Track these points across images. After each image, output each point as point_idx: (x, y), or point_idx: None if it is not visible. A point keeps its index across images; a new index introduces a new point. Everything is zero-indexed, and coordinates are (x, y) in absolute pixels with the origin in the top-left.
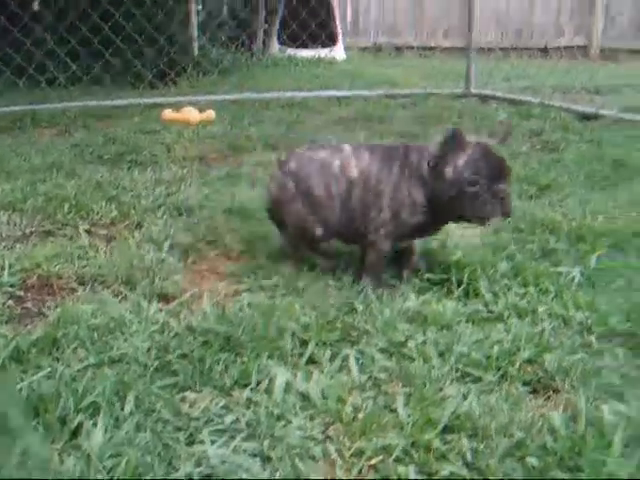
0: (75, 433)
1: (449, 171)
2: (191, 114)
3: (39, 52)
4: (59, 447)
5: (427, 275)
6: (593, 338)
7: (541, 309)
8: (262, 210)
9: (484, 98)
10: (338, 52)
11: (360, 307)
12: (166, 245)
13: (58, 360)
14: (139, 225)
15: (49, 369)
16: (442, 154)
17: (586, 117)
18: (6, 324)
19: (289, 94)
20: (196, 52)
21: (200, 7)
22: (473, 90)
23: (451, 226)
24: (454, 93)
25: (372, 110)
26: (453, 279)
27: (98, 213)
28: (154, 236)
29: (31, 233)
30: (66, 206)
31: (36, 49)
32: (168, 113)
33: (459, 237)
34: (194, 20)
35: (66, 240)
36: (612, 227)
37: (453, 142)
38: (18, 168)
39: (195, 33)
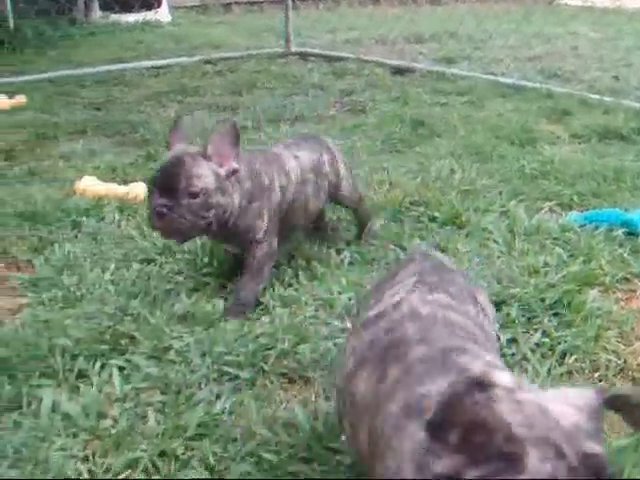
0: None
1: None
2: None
3: None
4: None
5: (206, 269)
6: (349, 323)
7: (306, 296)
8: (54, 213)
9: (304, 56)
10: (163, 14)
11: (133, 312)
12: None
13: None
14: None
15: None
16: None
17: (399, 71)
18: None
19: (105, 68)
20: (12, 26)
21: None
22: (293, 48)
23: None
24: (274, 53)
25: (188, 80)
26: (227, 272)
27: None
28: None
29: None
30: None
31: None
32: None
33: None
34: None
35: None
36: (393, 197)
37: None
38: None
39: (8, 6)
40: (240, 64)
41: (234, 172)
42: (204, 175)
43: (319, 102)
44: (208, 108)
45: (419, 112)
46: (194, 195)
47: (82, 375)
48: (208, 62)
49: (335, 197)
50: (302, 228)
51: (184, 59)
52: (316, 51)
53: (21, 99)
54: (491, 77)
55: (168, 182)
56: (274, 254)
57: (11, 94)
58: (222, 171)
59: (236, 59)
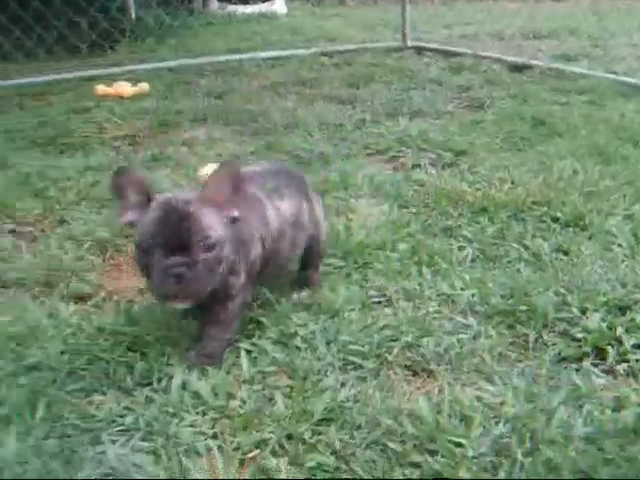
0: None
1: (136, 228)
2: (123, 88)
3: None
4: None
5: (329, 260)
6: (473, 319)
7: (429, 291)
8: None
9: (420, 50)
10: (278, 6)
11: (260, 298)
12: (86, 242)
13: None
14: (62, 221)
15: None
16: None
17: (517, 68)
18: None
19: (223, 58)
20: (133, 16)
21: None
22: (409, 43)
23: (359, 205)
24: (390, 47)
25: (305, 72)
26: (352, 263)
27: (23, 211)
28: (75, 233)
29: None
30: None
31: None
32: (101, 89)
33: (366, 216)
34: None
35: None
36: (514, 197)
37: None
38: None
39: None
40: (356, 57)
41: (234, 220)
42: (215, 223)
43: (437, 97)
44: (327, 100)
45: (539, 110)
46: (210, 248)
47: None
48: (324, 54)
49: (310, 245)
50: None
51: (301, 51)
52: (433, 46)
53: (144, 86)
54: (613, 76)
55: (179, 237)
56: (246, 307)
57: (134, 82)
58: (224, 217)
59: (352, 52)
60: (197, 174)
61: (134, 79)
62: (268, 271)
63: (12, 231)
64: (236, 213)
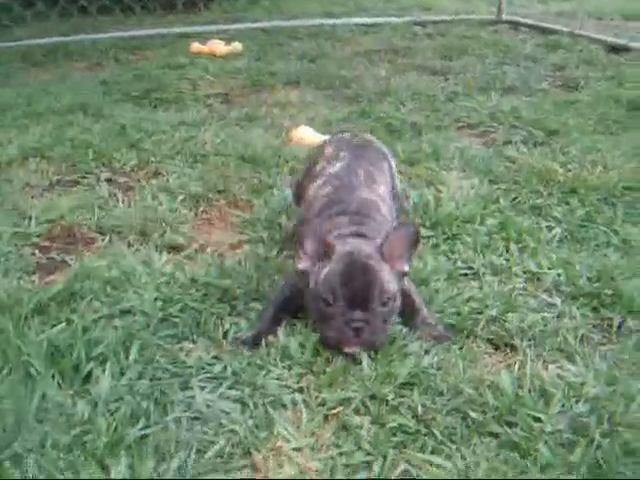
0: (86, 380)
1: (312, 280)
2: (217, 47)
3: None
4: (72, 392)
5: None
6: (558, 298)
7: (516, 267)
8: (272, 158)
9: (515, 25)
10: None
11: None
12: (180, 194)
13: (75, 311)
14: (157, 173)
15: (65, 321)
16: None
17: (614, 49)
18: (33, 274)
19: (317, 21)
20: None
21: None
22: (504, 16)
23: (449, 177)
24: (484, 20)
25: (398, 40)
26: (440, 234)
27: (120, 161)
28: (170, 185)
29: (57, 182)
30: (90, 153)
31: None
32: (196, 46)
33: (456, 188)
34: None
35: (88, 190)
36: (606, 180)
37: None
38: (48, 109)
39: None
40: (450, 28)
41: (404, 275)
42: (391, 280)
43: (531, 74)
44: (419, 70)
45: (636, 94)
46: (387, 303)
47: (297, 316)
48: (418, 24)
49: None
50: None
51: (394, 19)
52: (528, 21)
53: (237, 46)
54: None
55: (362, 293)
56: None
57: (227, 41)
58: (395, 271)
59: (446, 23)
60: (291, 135)
61: (227, 39)
62: None
63: (109, 180)
64: (407, 268)
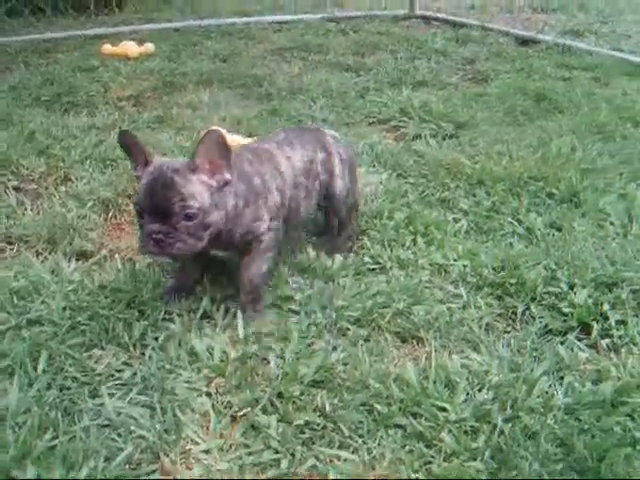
0: None
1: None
2: (129, 48)
3: None
4: None
5: None
6: (464, 289)
7: (423, 260)
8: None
9: (427, 20)
10: None
11: None
12: (89, 200)
13: None
14: (66, 179)
15: None
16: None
17: (523, 42)
18: None
19: (230, 21)
20: None
21: None
22: (417, 11)
23: (358, 172)
24: (398, 15)
25: (311, 38)
26: None
27: (28, 168)
28: (79, 191)
29: None
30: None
31: None
32: (107, 48)
33: (364, 184)
34: None
35: None
36: (512, 171)
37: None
38: None
39: None
40: (363, 24)
41: (226, 183)
42: (198, 193)
43: (442, 68)
44: (332, 67)
45: (542, 86)
46: (191, 217)
47: (206, 316)
48: (331, 20)
49: (326, 196)
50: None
51: (308, 16)
52: (440, 15)
53: (149, 47)
54: (618, 54)
55: (160, 206)
56: (278, 241)
57: (139, 42)
58: (214, 182)
59: (359, 19)
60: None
61: (140, 39)
62: (290, 220)
63: (16, 188)
64: (227, 176)
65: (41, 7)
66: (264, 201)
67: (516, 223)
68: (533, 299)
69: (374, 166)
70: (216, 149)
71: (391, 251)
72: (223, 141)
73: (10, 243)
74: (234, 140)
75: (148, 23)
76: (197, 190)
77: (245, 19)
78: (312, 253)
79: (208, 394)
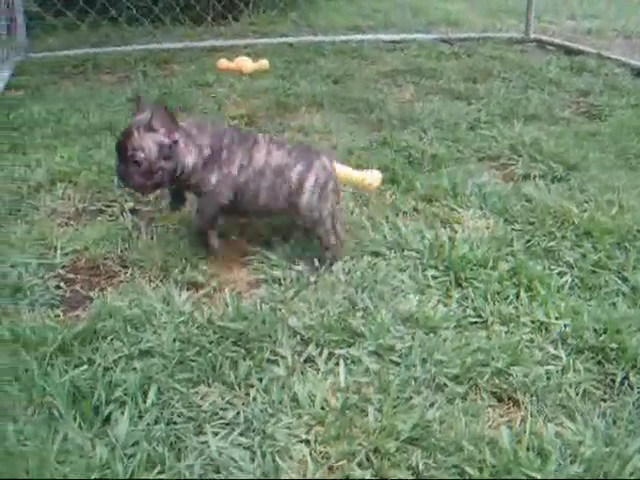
0: (105, 421)
1: None
2: (245, 64)
3: None
4: (91, 435)
5: (431, 272)
6: (564, 351)
7: (525, 317)
8: None
9: (542, 44)
10: None
11: (361, 305)
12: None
13: (97, 350)
14: None
15: (87, 362)
16: None
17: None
18: (57, 308)
19: (344, 37)
20: None
21: None
22: (532, 35)
23: (465, 216)
24: (512, 38)
25: (424, 60)
26: (453, 278)
27: None
28: (190, 218)
29: (83, 210)
30: (115, 180)
31: None
32: (223, 63)
33: (471, 229)
34: None
35: (113, 220)
36: (621, 222)
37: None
38: (77, 128)
39: None
40: (477, 47)
41: (175, 142)
42: (147, 147)
43: (555, 101)
44: (445, 94)
45: None
46: (138, 163)
47: (310, 360)
48: (444, 41)
49: (292, 204)
50: (254, 217)
51: (421, 35)
52: (555, 41)
53: (264, 63)
54: None
55: (120, 151)
56: (215, 208)
57: (254, 57)
58: (167, 141)
59: (472, 41)
60: None
61: (255, 53)
62: (246, 200)
63: (132, 210)
64: (176, 138)
65: (160, 17)
66: (221, 171)
67: (621, 281)
68: (633, 367)
69: (481, 209)
70: (167, 119)
71: (494, 304)
72: (169, 111)
73: (124, 266)
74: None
75: (263, 37)
76: (146, 145)
77: (359, 37)
78: (414, 301)
79: (307, 442)
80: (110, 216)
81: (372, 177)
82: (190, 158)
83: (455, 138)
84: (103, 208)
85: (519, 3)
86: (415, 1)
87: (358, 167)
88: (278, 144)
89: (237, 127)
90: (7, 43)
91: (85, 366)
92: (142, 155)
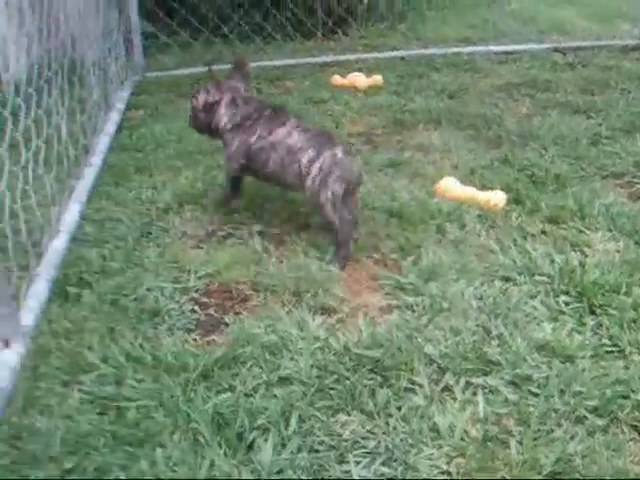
0: (249, 448)
1: None
2: (358, 80)
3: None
4: (236, 461)
5: (563, 298)
6: None
7: None
8: (418, 213)
9: None
10: None
11: (495, 333)
12: (330, 251)
13: (237, 376)
14: (306, 226)
15: (228, 388)
16: None
17: None
18: (193, 332)
19: (455, 50)
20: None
21: None
22: None
23: (594, 239)
24: (627, 46)
25: (537, 71)
26: (586, 305)
27: (270, 212)
28: (319, 240)
29: (212, 232)
30: (242, 202)
31: (209, 8)
32: (337, 79)
33: (601, 252)
34: None
35: (243, 244)
36: None
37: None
38: (197, 147)
39: None
40: (591, 56)
41: (217, 103)
42: (198, 99)
43: None
44: (562, 108)
45: None
46: (191, 107)
47: (447, 389)
48: (557, 50)
49: (300, 187)
50: (269, 182)
51: (532, 46)
52: None
53: (377, 78)
54: None
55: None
56: (231, 167)
57: (366, 71)
58: (210, 99)
59: (586, 50)
60: (435, 187)
61: (367, 68)
62: (257, 165)
63: (260, 232)
64: (216, 99)
65: (271, 33)
66: (240, 137)
67: None
68: None
69: (610, 230)
70: (217, 87)
71: (630, 333)
72: (219, 84)
73: (256, 290)
74: (472, 194)
75: (373, 51)
76: (199, 98)
77: (470, 49)
78: (548, 329)
79: (449, 473)
80: (239, 239)
81: (497, 198)
82: (223, 119)
83: (577, 155)
84: (231, 231)
85: (632, 7)
86: (523, 9)
87: (482, 186)
88: (302, 129)
89: (282, 107)
90: (126, 63)
91: (228, 393)
92: (194, 103)
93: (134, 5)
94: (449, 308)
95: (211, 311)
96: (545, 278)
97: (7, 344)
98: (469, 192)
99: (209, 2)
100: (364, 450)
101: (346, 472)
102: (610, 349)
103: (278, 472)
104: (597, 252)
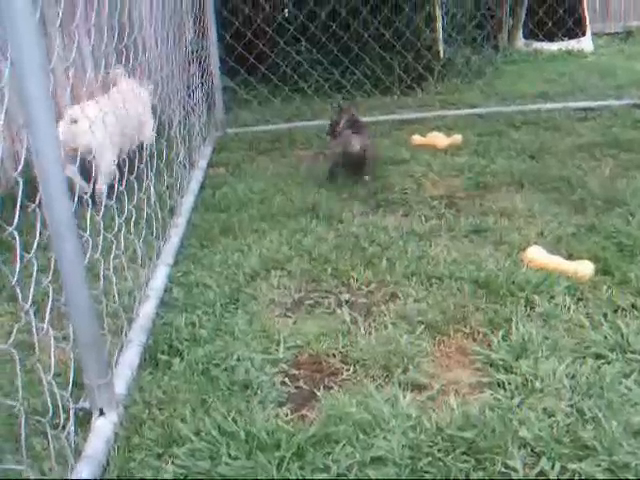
0: None
1: None
2: (438, 139)
3: (290, 69)
4: None
5: None
6: None
7: None
8: (507, 284)
9: None
10: (585, 43)
11: (589, 415)
12: (419, 324)
13: (330, 455)
14: (393, 295)
15: (323, 467)
16: None
17: None
18: (284, 406)
19: (534, 107)
20: (442, 55)
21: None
22: None
23: None
24: None
25: (619, 130)
26: None
27: (357, 280)
28: (407, 312)
29: (300, 300)
30: (329, 269)
31: (288, 65)
32: (416, 139)
33: None
34: (439, 25)
35: (331, 314)
36: None
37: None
38: (281, 209)
39: (440, 36)
40: None
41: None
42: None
43: None
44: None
45: None
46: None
47: (542, 474)
48: (637, 106)
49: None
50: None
51: (612, 102)
52: None
53: (457, 138)
54: None
55: None
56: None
57: (445, 129)
58: (338, 128)
59: None
60: (522, 256)
61: (445, 126)
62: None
63: (347, 302)
64: (339, 129)
65: (350, 90)
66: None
67: None
68: None
69: None
70: (340, 120)
71: None
72: (340, 119)
73: (346, 363)
74: (558, 263)
75: (451, 108)
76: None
77: (548, 105)
78: None
79: None
80: (327, 308)
81: (584, 268)
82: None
83: None
84: (319, 299)
85: None
86: (599, 62)
87: (569, 256)
88: (359, 135)
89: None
90: (209, 121)
91: (323, 474)
92: (329, 128)
93: (216, 61)
94: (541, 388)
95: (301, 383)
96: (638, 356)
97: (102, 413)
98: (556, 262)
99: (288, 59)
100: None
101: None
102: None
103: None
104: None
